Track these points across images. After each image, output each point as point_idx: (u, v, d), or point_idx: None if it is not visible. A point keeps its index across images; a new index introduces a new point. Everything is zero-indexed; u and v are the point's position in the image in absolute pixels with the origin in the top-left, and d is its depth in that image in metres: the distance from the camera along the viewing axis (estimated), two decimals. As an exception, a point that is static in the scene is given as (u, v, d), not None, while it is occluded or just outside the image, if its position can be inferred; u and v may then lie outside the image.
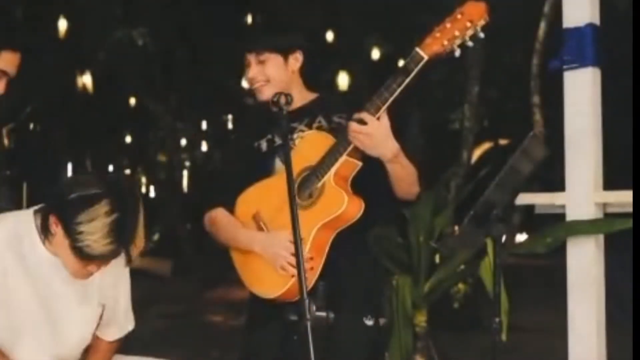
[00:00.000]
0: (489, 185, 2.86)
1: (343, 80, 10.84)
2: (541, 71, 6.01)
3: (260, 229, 2.97)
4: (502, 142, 15.55)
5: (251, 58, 3.05)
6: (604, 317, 3.98)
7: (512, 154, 2.87)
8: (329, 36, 10.41)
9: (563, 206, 4.01)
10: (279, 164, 3.01)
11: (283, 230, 2.84)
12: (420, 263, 4.78)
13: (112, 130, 16.21)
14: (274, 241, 2.90)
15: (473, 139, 8.20)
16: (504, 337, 2.94)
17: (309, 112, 3.05)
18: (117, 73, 12.34)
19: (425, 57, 2.76)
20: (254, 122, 3.21)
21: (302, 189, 2.89)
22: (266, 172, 3.03)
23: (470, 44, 2.79)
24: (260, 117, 3.13)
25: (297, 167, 2.79)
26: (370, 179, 2.91)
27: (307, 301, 2.40)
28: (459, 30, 2.76)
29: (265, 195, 2.99)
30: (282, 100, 2.74)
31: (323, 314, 2.49)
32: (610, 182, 4.01)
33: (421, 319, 4.79)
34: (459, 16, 2.77)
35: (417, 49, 2.77)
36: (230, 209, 3.06)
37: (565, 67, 4.00)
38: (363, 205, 2.85)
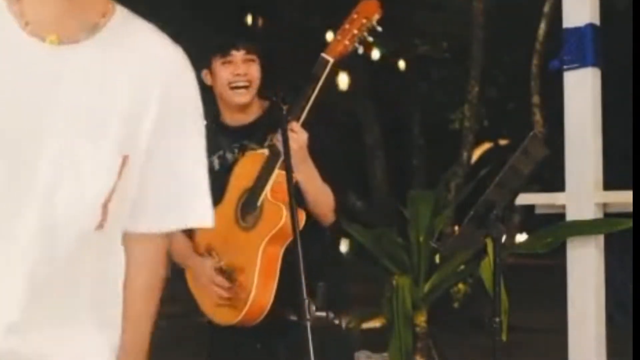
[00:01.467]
0: (489, 185, 2.86)
1: (343, 80, 10.84)
2: (541, 71, 6.02)
3: (214, 257, 2.94)
4: (502, 142, 15.55)
5: (238, 55, 2.94)
6: (604, 317, 3.98)
7: (512, 154, 2.87)
8: (329, 36, 10.42)
9: (563, 206, 4.01)
10: (231, 182, 2.94)
11: (231, 269, 2.85)
12: (420, 263, 4.78)
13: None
14: (202, 270, 2.90)
15: (473, 139, 8.21)
16: (504, 337, 2.94)
17: (260, 128, 2.97)
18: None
19: (331, 60, 2.86)
20: (207, 138, 3.12)
21: (245, 211, 2.85)
22: (220, 190, 2.90)
23: (370, 38, 2.92)
24: (212, 133, 3.07)
25: (236, 191, 2.83)
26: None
27: (307, 301, 2.40)
28: (357, 29, 2.89)
29: (216, 225, 2.94)
30: (282, 99, 2.74)
31: (323, 314, 2.48)
32: (610, 182, 4.01)
33: (421, 319, 4.79)
34: (354, 16, 2.90)
35: (322, 54, 2.89)
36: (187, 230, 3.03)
37: (565, 67, 4.00)
38: (304, 215, 2.82)
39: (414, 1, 9.51)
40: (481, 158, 14.43)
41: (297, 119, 2.80)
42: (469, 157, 8.18)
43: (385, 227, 4.93)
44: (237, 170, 2.91)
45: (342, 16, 2.95)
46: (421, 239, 4.78)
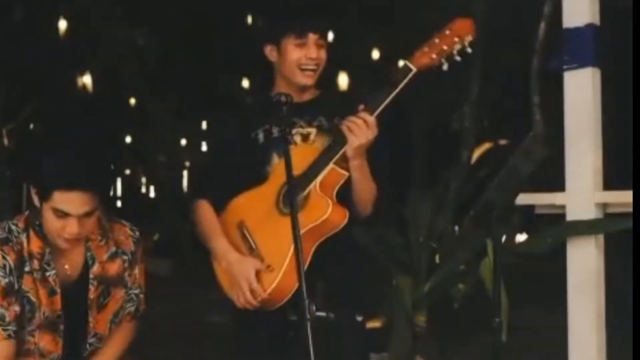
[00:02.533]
0: (489, 186, 2.86)
1: (343, 80, 10.82)
2: (541, 71, 6.01)
3: (243, 237, 2.93)
4: (502, 142, 15.53)
5: (312, 37, 2.97)
6: (604, 317, 3.98)
7: (512, 154, 2.87)
8: (329, 36, 10.41)
9: (563, 206, 4.01)
10: (275, 160, 2.97)
11: (260, 249, 2.84)
12: (420, 263, 4.78)
13: (112, 131, 16.21)
14: (241, 267, 2.87)
15: (473, 139, 8.19)
16: (504, 337, 2.94)
17: (312, 109, 3.01)
18: (117, 73, 12.32)
19: (414, 69, 2.85)
20: (250, 113, 3.16)
21: (287, 198, 2.84)
22: (262, 165, 2.97)
23: (458, 58, 2.88)
24: (257, 107, 3.10)
25: (282, 178, 2.76)
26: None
27: (307, 301, 2.40)
28: (447, 45, 2.85)
29: (253, 203, 2.95)
30: (283, 99, 2.74)
31: (323, 314, 2.49)
32: (610, 182, 4.01)
33: (421, 319, 4.78)
34: (447, 32, 2.88)
35: (406, 62, 2.85)
36: (217, 203, 3.01)
37: (565, 67, 4.00)
38: (348, 215, 2.84)
39: (414, 1, 9.51)
40: (481, 158, 14.41)
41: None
42: (469, 157, 8.16)
43: (385, 227, 4.92)
44: (296, 154, 2.83)
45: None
46: (421, 239, 4.77)
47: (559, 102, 4.07)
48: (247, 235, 2.91)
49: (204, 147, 18.41)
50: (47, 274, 2.78)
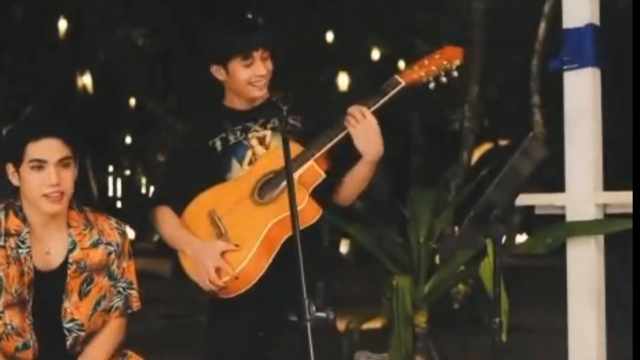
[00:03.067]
0: (489, 186, 2.86)
1: (343, 80, 10.83)
2: (541, 71, 6.01)
3: (213, 223, 2.97)
4: (502, 142, 15.53)
5: (257, 54, 3.02)
6: (604, 317, 3.98)
7: (512, 155, 2.87)
8: (329, 36, 10.42)
9: (563, 207, 4.01)
10: (235, 165, 3.03)
11: (230, 234, 2.88)
12: (420, 263, 4.78)
13: (112, 131, 16.21)
14: (207, 250, 2.91)
15: (473, 139, 8.20)
16: (504, 337, 2.93)
17: (264, 112, 3.06)
18: (117, 73, 12.33)
19: (403, 83, 2.99)
20: (206, 121, 3.20)
21: (265, 188, 2.92)
22: (221, 171, 3.03)
23: (444, 79, 3.05)
24: (213, 116, 3.14)
25: (259, 172, 2.91)
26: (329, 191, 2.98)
27: (306, 301, 2.40)
28: (435, 66, 3.03)
29: (221, 196, 2.99)
30: (283, 99, 2.75)
31: (323, 314, 2.48)
32: (610, 183, 4.01)
33: (421, 319, 4.79)
34: (437, 56, 3.06)
35: (396, 76, 3.01)
36: (177, 208, 3.05)
37: (565, 67, 4.00)
38: (321, 212, 2.90)
39: (414, 1, 9.51)
40: (481, 158, 14.42)
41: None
42: (469, 157, 8.16)
43: (385, 227, 4.92)
44: (267, 151, 3.00)
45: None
46: (421, 239, 4.78)
47: (559, 102, 4.07)
48: (217, 221, 2.95)
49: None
50: (20, 251, 2.80)
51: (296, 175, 2.84)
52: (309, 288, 2.40)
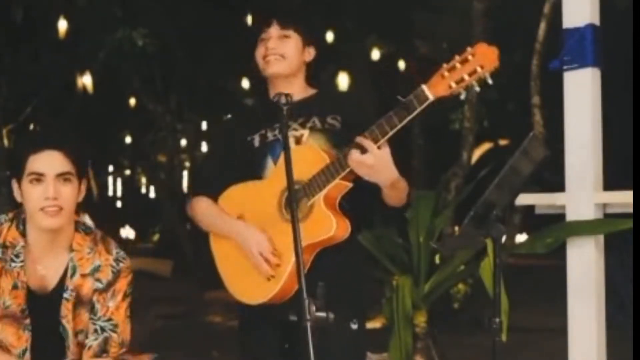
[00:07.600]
0: (489, 186, 2.85)
1: (343, 80, 10.84)
2: (541, 71, 6.01)
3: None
4: (502, 142, 15.54)
5: (274, 30, 2.95)
6: (604, 317, 3.98)
7: (512, 155, 2.87)
8: (329, 36, 10.42)
9: (563, 206, 4.01)
10: (270, 164, 2.95)
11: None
12: (420, 263, 4.78)
13: (112, 131, 16.23)
14: (252, 233, 2.88)
15: (473, 140, 8.21)
16: (504, 337, 2.93)
17: (304, 110, 2.99)
18: (117, 73, 12.34)
19: (431, 98, 2.72)
20: (248, 116, 3.16)
21: (289, 203, 2.77)
22: (256, 168, 2.96)
23: (477, 88, 2.75)
24: (254, 111, 3.09)
25: (284, 180, 2.64)
26: (359, 197, 2.89)
27: (307, 301, 2.39)
28: (468, 75, 2.70)
29: (251, 200, 2.94)
30: (283, 99, 2.72)
31: (323, 314, 2.48)
32: (610, 183, 4.01)
33: (421, 319, 4.79)
34: (469, 57, 2.72)
35: (424, 87, 2.71)
36: (216, 198, 3.01)
37: (565, 67, 3.99)
38: (350, 228, 2.83)
39: (414, 2, 9.51)
40: (481, 158, 14.43)
41: (375, 140, 2.74)
42: (469, 157, 8.17)
43: (385, 227, 4.92)
44: (294, 155, 2.63)
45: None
46: (421, 239, 4.78)
47: (559, 102, 4.07)
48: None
49: (204, 148, 18.47)
50: (13, 265, 2.78)
51: (323, 194, 2.80)
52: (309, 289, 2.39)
